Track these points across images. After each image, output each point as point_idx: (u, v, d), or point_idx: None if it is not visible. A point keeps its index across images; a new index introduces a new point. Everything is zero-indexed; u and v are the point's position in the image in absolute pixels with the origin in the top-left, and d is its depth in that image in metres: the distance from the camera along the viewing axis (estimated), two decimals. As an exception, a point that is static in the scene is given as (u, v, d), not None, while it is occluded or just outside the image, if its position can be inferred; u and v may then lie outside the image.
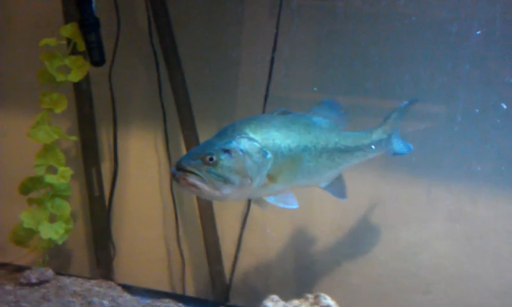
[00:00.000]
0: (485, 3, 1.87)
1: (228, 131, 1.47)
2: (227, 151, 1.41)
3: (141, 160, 2.21)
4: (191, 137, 2.06)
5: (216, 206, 2.10)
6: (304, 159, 1.53)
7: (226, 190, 1.40)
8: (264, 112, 2.03)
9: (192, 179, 1.37)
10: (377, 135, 1.69)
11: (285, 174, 1.49)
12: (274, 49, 2.00)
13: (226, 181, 1.39)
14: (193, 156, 1.41)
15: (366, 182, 1.99)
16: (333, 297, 1.84)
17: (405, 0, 1.92)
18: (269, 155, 1.45)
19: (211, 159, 1.38)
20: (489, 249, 1.94)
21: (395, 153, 1.75)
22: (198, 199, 2.09)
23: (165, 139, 2.14)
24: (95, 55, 1.90)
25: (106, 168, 2.22)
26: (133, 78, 2.20)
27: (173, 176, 1.39)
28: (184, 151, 2.10)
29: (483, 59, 1.89)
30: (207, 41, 2.12)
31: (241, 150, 1.42)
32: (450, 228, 1.96)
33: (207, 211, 2.07)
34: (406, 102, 1.76)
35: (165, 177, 2.19)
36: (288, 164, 1.49)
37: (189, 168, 1.38)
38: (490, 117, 1.90)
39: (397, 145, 1.76)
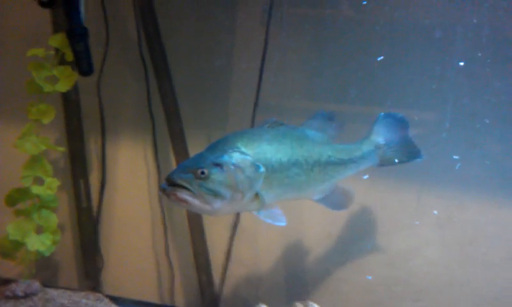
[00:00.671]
0: (471, 8, 1.91)
1: (219, 144, 1.46)
2: (219, 165, 1.39)
3: (130, 171, 2.19)
4: (180, 147, 2.05)
5: (206, 216, 2.09)
6: (296, 173, 1.52)
7: (217, 204, 1.38)
8: (253, 120, 2.04)
9: (182, 194, 1.35)
10: (366, 146, 1.70)
11: (275, 188, 1.48)
12: (263, 57, 2.01)
13: (217, 195, 1.37)
14: (184, 170, 1.39)
15: (355, 190, 1.99)
16: (323, 305, 1.83)
17: (392, 6, 1.95)
18: (262, 169, 1.44)
19: (202, 173, 1.37)
20: (480, 255, 1.94)
21: (400, 162, 1.76)
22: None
23: (154, 149, 2.14)
24: (83, 65, 1.89)
25: (95, 179, 2.21)
26: (122, 88, 2.19)
27: (163, 191, 1.37)
28: (173, 161, 2.10)
29: (471, 64, 1.92)
30: (197, 50, 2.12)
31: (233, 164, 1.41)
32: (440, 235, 1.96)
33: (196, 221, 2.06)
34: (382, 114, 1.75)
35: (154, 187, 2.17)
36: (279, 178, 1.48)
37: (179, 182, 1.36)
38: (478, 122, 1.92)
39: (399, 154, 1.76)
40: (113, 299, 1.97)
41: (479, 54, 1.89)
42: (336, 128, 1.67)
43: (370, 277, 1.99)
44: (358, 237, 2.02)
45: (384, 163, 1.73)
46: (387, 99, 1.96)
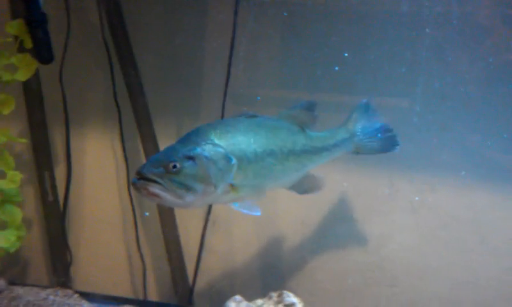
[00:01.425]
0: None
1: (191, 136, 1.42)
2: (191, 158, 1.36)
3: (97, 162, 2.13)
4: (148, 137, 1.99)
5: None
6: (271, 163, 1.50)
7: (189, 198, 1.35)
8: (223, 108, 1.99)
9: (154, 188, 1.31)
10: (341, 134, 1.68)
11: (250, 179, 1.45)
12: (232, 44, 1.96)
13: (189, 189, 1.34)
14: (155, 163, 1.35)
15: (329, 177, 1.97)
16: (300, 294, 1.81)
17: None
18: (234, 161, 1.41)
19: (174, 167, 1.33)
20: (453, 239, 1.94)
21: (375, 152, 1.74)
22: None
23: (121, 139, 2.07)
24: (43, 52, 1.81)
25: (61, 172, 2.13)
26: (86, 77, 2.11)
27: (134, 185, 1.33)
28: (141, 152, 2.04)
29: (441, 49, 1.90)
30: (164, 37, 2.06)
31: (206, 157, 1.37)
32: (414, 220, 1.95)
33: (167, 212, 2.00)
34: (364, 100, 1.74)
35: (123, 179, 2.11)
36: (254, 168, 1.46)
37: (150, 176, 1.32)
38: (449, 106, 1.91)
39: (375, 144, 1.73)
40: (83, 295, 1.93)
41: (450, 38, 1.87)
42: (313, 117, 1.64)
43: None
44: (332, 224, 2.00)
45: (361, 151, 1.71)
46: (358, 85, 1.94)
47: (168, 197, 1.33)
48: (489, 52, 1.88)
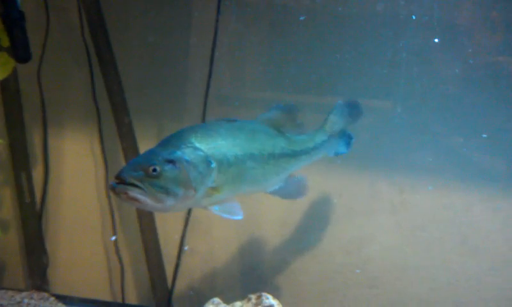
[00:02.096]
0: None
1: (172, 140, 1.39)
2: (171, 161, 1.32)
3: (76, 163, 2.09)
4: (127, 138, 1.96)
5: (157, 208, 2.02)
6: (251, 166, 1.48)
7: (170, 202, 1.31)
8: (204, 110, 1.97)
9: (133, 193, 1.27)
10: (319, 137, 1.66)
11: (231, 183, 1.43)
12: (213, 45, 1.95)
13: (169, 193, 1.31)
14: (135, 167, 1.31)
15: (310, 178, 1.96)
16: (280, 296, 1.80)
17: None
18: (213, 165, 1.39)
19: (154, 170, 1.29)
20: (433, 240, 1.95)
21: (337, 153, 1.73)
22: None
23: (100, 140, 2.04)
24: (20, 51, 1.77)
25: (39, 172, 2.09)
26: (65, 77, 2.08)
27: (113, 190, 1.28)
28: (120, 153, 2.01)
29: (422, 50, 1.91)
30: (144, 37, 2.04)
31: (186, 161, 1.34)
32: (394, 221, 1.95)
33: (146, 214, 1.97)
34: (340, 102, 1.72)
35: (102, 181, 2.08)
36: (234, 172, 1.44)
37: (130, 180, 1.28)
38: (430, 108, 1.91)
39: (338, 145, 1.73)
40: (60, 298, 1.89)
41: (430, 39, 1.89)
42: (295, 120, 1.63)
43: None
44: (313, 226, 2.00)
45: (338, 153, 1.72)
46: (338, 86, 1.94)
47: (147, 201, 1.29)
48: (469, 53, 1.90)
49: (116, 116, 1.96)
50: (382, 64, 1.90)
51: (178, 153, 1.34)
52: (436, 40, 1.87)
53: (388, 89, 1.94)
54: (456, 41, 1.89)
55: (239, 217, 1.42)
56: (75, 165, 2.09)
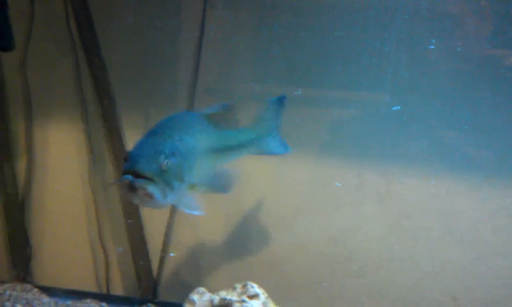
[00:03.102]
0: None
1: (165, 130, 1.33)
2: (173, 154, 1.26)
3: (60, 154, 2.06)
4: (113, 129, 1.94)
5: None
6: (200, 160, 1.42)
7: (170, 197, 1.24)
8: (193, 99, 1.95)
9: (151, 189, 1.19)
10: (245, 135, 1.60)
11: (187, 177, 1.36)
12: (201, 36, 1.93)
13: (172, 188, 1.24)
14: (149, 160, 1.21)
15: (297, 168, 1.96)
16: (266, 286, 1.78)
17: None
18: (196, 157, 1.35)
19: (166, 164, 1.22)
20: (420, 230, 1.94)
21: (271, 153, 1.68)
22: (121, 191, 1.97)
23: (86, 131, 2.02)
24: (3, 39, 1.76)
25: (23, 164, 2.06)
26: (50, 66, 2.05)
27: (131, 185, 1.18)
28: (106, 144, 1.99)
29: (410, 41, 1.90)
30: (130, 25, 2.00)
31: (182, 153, 1.29)
32: (381, 211, 1.95)
33: (130, 205, 1.95)
34: (274, 98, 1.67)
35: (86, 172, 2.05)
36: (191, 166, 1.38)
37: (148, 175, 1.19)
38: (417, 97, 1.91)
39: (272, 145, 1.68)
40: (43, 289, 1.87)
41: (418, 28, 1.88)
42: (231, 118, 1.58)
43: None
44: (300, 216, 1.98)
45: (263, 152, 1.66)
46: (329, 78, 1.93)
47: (158, 197, 1.20)
48: (457, 43, 1.89)
49: (101, 106, 1.94)
50: (370, 54, 1.90)
51: (176, 144, 1.29)
52: (424, 29, 1.87)
53: (375, 80, 1.93)
54: (445, 32, 1.89)
55: (202, 213, 1.38)
56: (60, 156, 2.07)
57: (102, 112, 1.96)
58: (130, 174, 1.18)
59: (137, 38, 1.99)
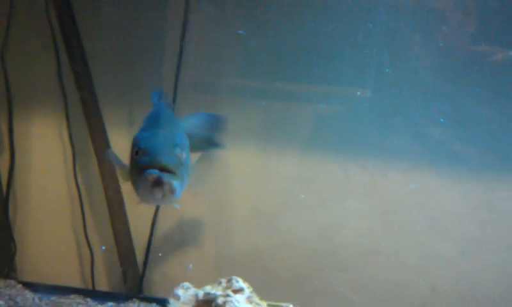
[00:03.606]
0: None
1: (166, 121, 1.30)
2: (184, 147, 1.22)
3: (43, 149, 2.04)
4: (95, 123, 1.92)
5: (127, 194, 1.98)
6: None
7: (181, 191, 1.19)
8: (175, 92, 1.94)
9: (176, 182, 1.14)
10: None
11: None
12: (183, 31, 1.91)
13: (184, 182, 1.19)
14: (169, 153, 1.16)
15: (282, 163, 1.96)
16: (252, 281, 1.78)
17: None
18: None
19: (182, 157, 1.18)
20: (404, 224, 1.95)
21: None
22: (105, 187, 1.95)
23: (68, 125, 1.99)
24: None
25: (6, 159, 2.03)
26: (31, 59, 2.01)
27: (158, 181, 1.12)
28: (89, 138, 1.97)
29: (394, 34, 1.90)
30: (111, 16, 1.98)
31: (187, 146, 1.25)
32: (366, 205, 1.95)
33: (115, 200, 1.94)
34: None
35: (71, 166, 2.02)
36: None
37: (174, 169, 1.13)
38: (401, 91, 1.91)
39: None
40: (27, 285, 1.85)
41: (401, 23, 1.88)
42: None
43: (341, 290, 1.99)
44: (285, 211, 1.98)
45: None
46: (310, 72, 1.92)
47: (179, 192, 1.15)
48: (440, 37, 1.90)
49: (82, 100, 1.92)
50: (353, 48, 1.89)
51: (183, 138, 1.25)
52: (407, 23, 1.86)
53: (359, 74, 1.93)
54: (427, 26, 1.89)
55: (177, 207, 1.36)
56: (44, 151, 2.04)
57: (84, 106, 1.94)
58: (156, 169, 1.12)
59: (120, 32, 1.97)
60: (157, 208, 1.97)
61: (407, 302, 1.95)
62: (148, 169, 1.13)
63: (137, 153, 1.18)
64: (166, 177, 1.12)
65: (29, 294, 1.76)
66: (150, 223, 1.99)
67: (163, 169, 1.13)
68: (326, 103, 1.94)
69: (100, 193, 1.99)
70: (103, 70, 1.96)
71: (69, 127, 1.99)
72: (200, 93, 2.01)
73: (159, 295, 1.97)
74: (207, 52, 1.97)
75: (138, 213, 1.99)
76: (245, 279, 1.70)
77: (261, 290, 1.74)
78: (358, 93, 1.91)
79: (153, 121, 1.32)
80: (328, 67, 1.91)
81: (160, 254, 2.03)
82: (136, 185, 1.18)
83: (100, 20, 1.98)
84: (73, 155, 1.99)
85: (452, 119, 1.90)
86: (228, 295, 1.45)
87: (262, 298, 1.68)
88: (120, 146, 1.73)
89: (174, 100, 1.93)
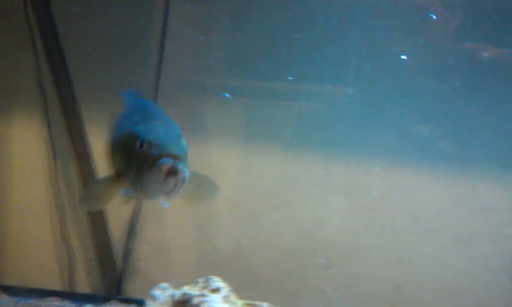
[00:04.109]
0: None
1: (159, 113, 1.27)
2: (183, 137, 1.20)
3: (23, 150, 2.01)
4: (73, 122, 1.91)
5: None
6: None
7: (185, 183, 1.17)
8: (156, 92, 1.92)
9: (187, 172, 1.12)
10: None
11: None
12: (164, 29, 1.89)
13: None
14: (178, 143, 1.15)
15: (263, 161, 1.95)
16: (233, 280, 1.77)
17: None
18: None
19: (187, 149, 1.16)
20: (386, 220, 1.95)
21: None
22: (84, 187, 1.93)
23: (47, 126, 1.97)
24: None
25: (-16, 161, 2.03)
26: (10, 61, 1.99)
27: (173, 170, 1.10)
28: (68, 139, 1.95)
29: (372, 31, 1.90)
30: (90, 16, 1.95)
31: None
32: (347, 202, 1.95)
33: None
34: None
35: (50, 168, 2.00)
36: None
37: (184, 159, 1.12)
38: (382, 89, 1.91)
39: None
40: (5, 289, 1.83)
41: (381, 20, 1.88)
42: None
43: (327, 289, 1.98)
44: (267, 209, 1.97)
45: None
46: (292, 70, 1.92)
47: (186, 182, 1.14)
48: (420, 34, 1.90)
49: (61, 101, 1.90)
50: (334, 46, 1.89)
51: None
52: (386, 20, 1.86)
53: (340, 72, 1.93)
54: (408, 21, 1.89)
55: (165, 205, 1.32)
56: (23, 152, 2.02)
57: (62, 107, 1.92)
58: (170, 158, 1.11)
59: (99, 32, 1.95)
60: (136, 208, 1.96)
61: (387, 297, 1.95)
62: (161, 159, 1.11)
63: (141, 146, 1.15)
64: (180, 165, 1.11)
65: (5, 298, 1.74)
66: (129, 223, 1.98)
67: (176, 159, 1.12)
68: (308, 101, 1.94)
69: (78, 194, 1.97)
70: (82, 71, 1.95)
71: (49, 128, 1.97)
72: (181, 92, 2.00)
73: (140, 296, 1.96)
74: (188, 51, 1.96)
75: (117, 214, 1.98)
76: (227, 278, 1.69)
77: (243, 289, 1.73)
78: (340, 91, 1.92)
79: (145, 115, 1.28)
80: (309, 65, 1.91)
81: (140, 256, 2.02)
82: (142, 179, 1.15)
83: (79, 20, 1.96)
84: (54, 156, 1.97)
85: (432, 116, 1.91)
86: (203, 295, 1.44)
87: (243, 297, 1.67)
88: (100, 146, 1.72)
89: (155, 100, 1.92)
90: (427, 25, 1.89)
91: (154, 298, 1.55)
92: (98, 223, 1.93)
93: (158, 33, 1.90)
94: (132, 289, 2.03)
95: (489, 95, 1.87)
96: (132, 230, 1.96)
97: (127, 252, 1.96)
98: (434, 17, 1.82)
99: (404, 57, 1.87)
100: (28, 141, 2.02)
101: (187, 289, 1.57)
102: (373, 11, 1.87)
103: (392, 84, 1.90)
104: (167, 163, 1.11)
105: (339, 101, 1.92)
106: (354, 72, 1.90)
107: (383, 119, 1.92)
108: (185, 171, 1.13)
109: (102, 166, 1.48)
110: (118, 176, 1.22)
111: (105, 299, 1.90)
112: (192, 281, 1.75)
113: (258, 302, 1.51)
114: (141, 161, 1.14)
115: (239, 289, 1.71)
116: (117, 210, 1.97)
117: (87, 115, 1.93)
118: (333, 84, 1.93)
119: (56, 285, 2.02)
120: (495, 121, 1.88)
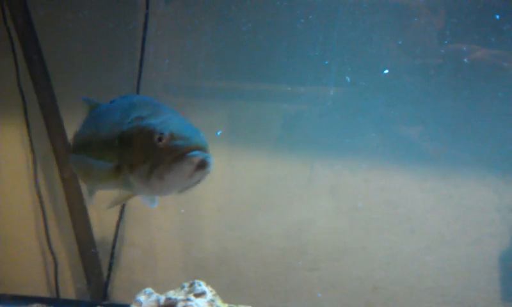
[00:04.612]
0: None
1: (162, 107, 1.24)
2: None
3: (3, 155, 1.99)
4: (53, 124, 1.88)
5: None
6: None
7: None
8: (138, 92, 1.91)
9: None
10: None
11: None
12: (145, 28, 1.88)
13: None
14: (201, 135, 1.13)
15: (248, 163, 1.95)
16: (220, 283, 1.76)
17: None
18: None
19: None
20: (371, 221, 1.96)
21: None
22: (67, 191, 1.91)
23: (27, 128, 1.95)
24: None
25: (-36, 166, 2.00)
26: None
27: (205, 162, 1.09)
28: (49, 142, 1.93)
29: (353, 31, 1.90)
30: (69, 17, 1.94)
31: None
32: (333, 203, 1.95)
33: (77, 205, 1.91)
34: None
35: (32, 172, 1.98)
36: None
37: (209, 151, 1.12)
38: (365, 90, 1.91)
39: None
40: (-12, 296, 1.81)
41: (362, 21, 1.88)
42: None
43: (319, 295, 1.97)
44: (252, 212, 1.97)
45: None
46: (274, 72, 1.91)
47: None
48: (401, 34, 1.90)
49: (41, 103, 1.89)
50: (314, 47, 1.89)
51: None
52: (368, 21, 1.86)
53: (323, 74, 1.93)
54: (389, 23, 1.89)
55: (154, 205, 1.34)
56: (3, 157, 2.00)
57: (42, 109, 1.90)
58: (199, 151, 1.09)
59: (79, 34, 1.93)
60: (121, 212, 1.94)
61: (373, 298, 1.96)
62: (192, 152, 1.09)
63: (160, 139, 1.13)
64: (210, 157, 1.10)
65: (-11, 305, 1.72)
66: (114, 228, 1.96)
67: (206, 151, 1.10)
68: (293, 103, 1.93)
69: (63, 198, 1.96)
70: (62, 74, 1.92)
71: (29, 132, 1.95)
72: (164, 94, 1.99)
73: (125, 301, 1.95)
74: (170, 53, 1.95)
75: (101, 218, 1.97)
76: (213, 281, 1.69)
77: (230, 292, 1.73)
78: (324, 92, 1.92)
79: (153, 109, 1.25)
80: (292, 66, 1.91)
81: (125, 260, 2.00)
82: (162, 173, 1.12)
83: (59, 23, 1.93)
84: (34, 161, 1.95)
85: (416, 116, 1.92)
86: (188, 299, 1.44)
87: (230, 300, 1.67)
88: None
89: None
90: (409, 25, 1.90)
91: (139, 303, 1.54)
92: (81, 227, 1.92)
93: (139, 36, 1.89)
94: (117, 294, 2.02)
95: (473, 95, 1.89)
96: (117, 235, 1.95)
97: (112, 257, 1.95)
98: (416, 19, 1.83)
99: (386, 71, 1.88)
100: (8, 145, 2.00)
101: (172, 294, 1.57)
102: (354, 12, 1.88)
103: (376, 85, 1.90)
104: (199, 156, 1.09)
105: (323, 102, 1.93)
106: (336, 73, 1.91)
107: (367, 120, 1.93)
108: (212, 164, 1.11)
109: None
110: (118, 168, 1.20)
111: (91, 305, 1.88)
112: (178, 285, 1.75)
113: (242, 306, 1.51)
114: (161, 154, 1.11)
115: (226, 292, 1.70)
116: (101, 215, 1.96)
117: (67, 118, 1.91)
118: (316, 86, 1.94)
119: (40, 291, 2.00)
120: (478, 122, 1.90)
